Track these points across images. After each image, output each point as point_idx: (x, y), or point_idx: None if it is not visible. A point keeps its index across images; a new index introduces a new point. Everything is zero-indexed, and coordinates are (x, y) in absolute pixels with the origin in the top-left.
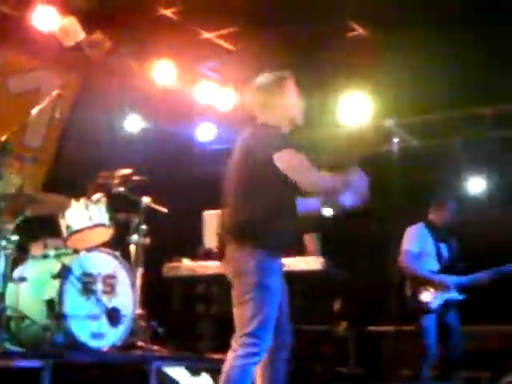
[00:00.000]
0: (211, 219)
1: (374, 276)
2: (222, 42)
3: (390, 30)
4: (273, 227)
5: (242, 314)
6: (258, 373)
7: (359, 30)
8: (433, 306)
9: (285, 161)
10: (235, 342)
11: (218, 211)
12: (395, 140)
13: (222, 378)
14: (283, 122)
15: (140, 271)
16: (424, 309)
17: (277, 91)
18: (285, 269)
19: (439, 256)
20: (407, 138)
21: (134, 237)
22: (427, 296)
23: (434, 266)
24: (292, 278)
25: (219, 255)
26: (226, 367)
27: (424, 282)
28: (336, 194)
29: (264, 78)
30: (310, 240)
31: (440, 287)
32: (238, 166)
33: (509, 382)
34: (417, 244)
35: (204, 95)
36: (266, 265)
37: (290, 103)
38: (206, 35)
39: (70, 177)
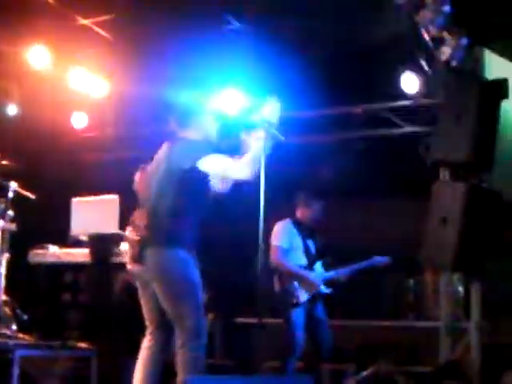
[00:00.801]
0: (79, 206)
1: (241, 268)
2: (98, 29)
3: (262, 24)
4: (188, 227)
5: (180, 311)
6: (140, 360)
7: (235, 24)
8: (301, 299)
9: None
10: (181, 336)
11: (86, 198)
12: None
13: (181, 369)
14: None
15: (5, 257)
16: (292, 302)
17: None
18: None
19: (307, 251)
20: (279, 134)
21: (0, 222)
22: (295, 290)
23: (303, 260)
24: None
25: (137, 258)
26: (181, 360)
27: (293, 277)
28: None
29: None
30: None
31: (308, 286)
32: (160, 173)
33: (371, 373)
34: (285, 239)
35: (78, 82)
36: (187, 261)
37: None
38: (82, 21)
39: None
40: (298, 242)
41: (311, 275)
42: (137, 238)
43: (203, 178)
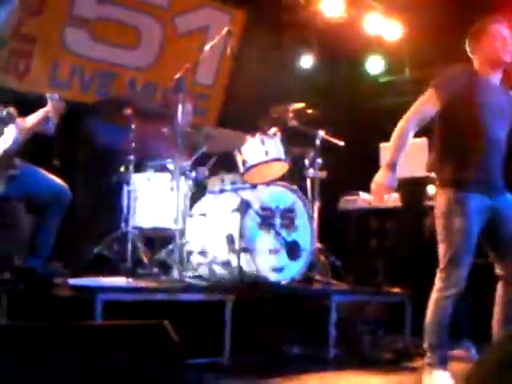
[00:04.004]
0: (388, 152)
1: None
2: None
3: None
4: (460, 167)
5: (440, 251)
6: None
7: None
8: None
9: None
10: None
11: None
12: None
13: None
14: (483, 66)
15: (317, 205)
16: None
17: (477, 37)
18: None
19: None
20: None
21: (310, 171)
22: None
23: None
24: None
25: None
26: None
27: None
28: None
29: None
30: None
31: None
32: None
33: None
34: None
35: (371, 27)
36: (457, 203)
37: (490, 47)
38: None
39: (242, 113)
40: None
41: None
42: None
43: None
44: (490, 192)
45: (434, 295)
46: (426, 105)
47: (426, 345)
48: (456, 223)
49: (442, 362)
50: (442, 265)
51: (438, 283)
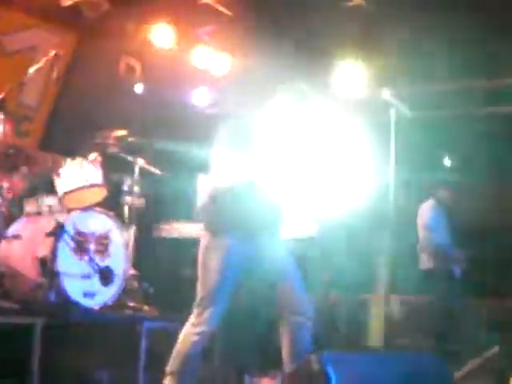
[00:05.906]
0: (205, 182)
1: None
2: (219, 7)
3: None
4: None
5: (197, 288)
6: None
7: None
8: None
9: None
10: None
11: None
12: (392, 111)
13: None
14: None
15: (133, 232)
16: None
17: None
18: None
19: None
20: (404, 109)
21: (128, 198)
22: None
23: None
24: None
25: None
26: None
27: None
28: None
29: None
30: None
31: None
32: None
33: None
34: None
35: (200, 60)
36: (211, 245)
37: None
38: (204, 0)
39: (65, 136)
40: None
41: None
42: None
43: None
44: (249, 235)
45: (186, 327)
46: None
47: (168, 369)
48: (211, 263)
49: None
50: (197, 301)
51: (191, 317)
